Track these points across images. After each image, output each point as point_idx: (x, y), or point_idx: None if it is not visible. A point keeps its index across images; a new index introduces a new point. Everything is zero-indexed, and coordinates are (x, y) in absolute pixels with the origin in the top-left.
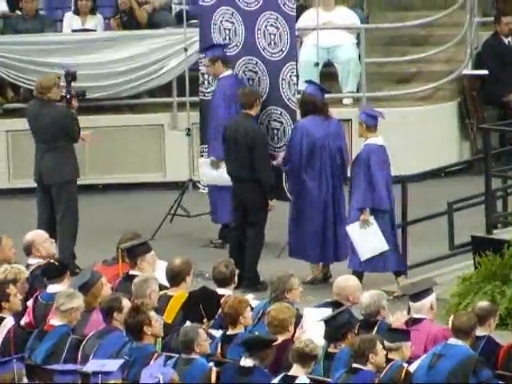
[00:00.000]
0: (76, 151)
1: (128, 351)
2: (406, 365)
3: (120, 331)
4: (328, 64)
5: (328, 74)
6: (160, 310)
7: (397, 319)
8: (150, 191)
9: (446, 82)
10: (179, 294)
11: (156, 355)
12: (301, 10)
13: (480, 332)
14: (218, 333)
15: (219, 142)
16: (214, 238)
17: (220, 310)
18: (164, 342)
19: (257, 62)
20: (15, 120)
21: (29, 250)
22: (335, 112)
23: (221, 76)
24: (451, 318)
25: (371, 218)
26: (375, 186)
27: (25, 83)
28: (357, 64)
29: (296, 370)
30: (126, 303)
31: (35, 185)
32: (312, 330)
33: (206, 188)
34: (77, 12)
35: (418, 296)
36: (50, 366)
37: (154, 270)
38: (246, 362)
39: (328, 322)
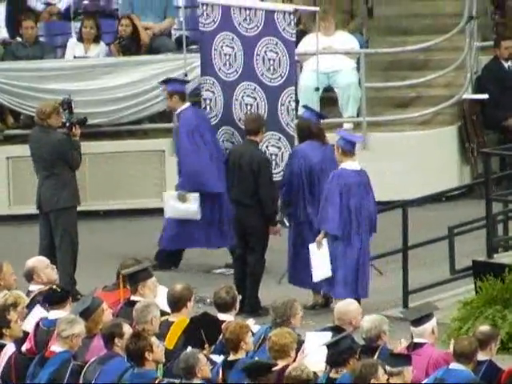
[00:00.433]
0: (77, 177)
1: (129, 377)
2: None
3: (121, 357)
4: (328, 89)
5: (328, 98)
6: (161, 336)
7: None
8: (150, 217)
9: (446, 107)
10: (180, 320)
11: (157, 381)
12: (301, 34)
13: (481, 356)
14: (219, 358)
15: (187, 175)
16: (225, 263)
17: (221, 336)
18: (165, 368)
19: (255, 88)
20: (15, 146)
21: (30, 276)
22: (335, 137)
23: (178, 110)
24: (452, 342)
25: (324, 241)
26: (328, 209)
27: (25, 110)
28: (357, 89)
29: None
30: (128, 329)
31: (36, 211)
32: (313, 355)
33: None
34: (81, 39)
35: (419, 321)
36: None
37: (155, 295)
38: None
39: (330, 347)
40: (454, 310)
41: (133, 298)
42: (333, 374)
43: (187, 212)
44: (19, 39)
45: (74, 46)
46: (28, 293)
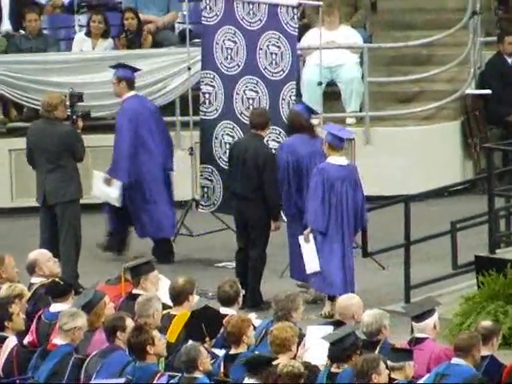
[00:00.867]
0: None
1: (131, 370)
2: None
3: (123, 350)
4: (331, 83)
5: (331, 93)
6: (163, 330)
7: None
8: None
9: (449, 102)
10: (182, 314)
11: (159, 375)
12: (305, 28)
13: (483, 352)
14: (220, 352)
15: (121, 161)
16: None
17: (223, 330)
18: (167, 362)
19: (257, 82)
20: (18, 139)
21: (32, 268)
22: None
23: (124, 97)
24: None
25: (311, 235)
26: (311, 204)
27: (28, 102)
28: (360, 83)
29: None
30: (130, 323)
31: (38, 204)
32: (314, 348)
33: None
34: (88, 34)
35: (421, 316)
36: None
37: (157, 289)
38: (249, 381)
39: (335, 343)
40: (455, 305)
41: (135, 291)
42: (334, 369)
43: (109, 197)
44: (23, 32)
45: (81, 41)
46: (30, 285)
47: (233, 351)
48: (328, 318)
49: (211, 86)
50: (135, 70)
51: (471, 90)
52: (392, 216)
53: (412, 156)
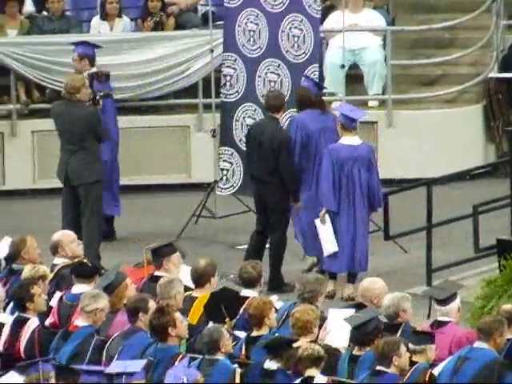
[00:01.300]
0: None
1: (152, 352)
2: (430, 368)
3: (145, 332)
4: (354, 66)
5: (354, 76)
6: (185, 312)
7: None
8: (175, 192)
9: (472, 85)
10: (204, 296)
11: (180, 356)
12: (327, 11)
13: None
14: (242, 334)
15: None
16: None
17: (245, 312)
18: (188, 343)
19: (279, 65)
20: (41, 120)
21: (55, 249)
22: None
23: (86, 74)
24: None
25: (327, 216)
26: (323, 185)
27: (50, 84)
28: (383, 66)
29: (311, 371)
30: (152, 304)
31: (60, 185)
32: (336, 331)
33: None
34: (103, 17)
35: (446, 300)
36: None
37: (179, 271)
38: (270, 364)
39: (358, 327)
40: (477, 289)
41: (157, 273)
42: (356, 352)
43: None
44: (45, 13)
45: (98, 26)
46: (52, 266)
47: (254, 333)
48: (349, 301)
49: (233, 68)
50: (96, 46)
51: (494, 74)
52: (414, 199)
53: (434, 139)
